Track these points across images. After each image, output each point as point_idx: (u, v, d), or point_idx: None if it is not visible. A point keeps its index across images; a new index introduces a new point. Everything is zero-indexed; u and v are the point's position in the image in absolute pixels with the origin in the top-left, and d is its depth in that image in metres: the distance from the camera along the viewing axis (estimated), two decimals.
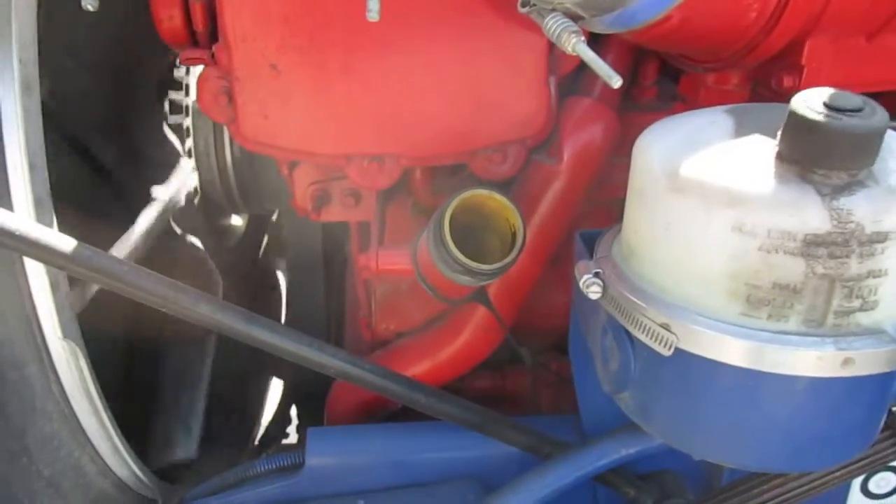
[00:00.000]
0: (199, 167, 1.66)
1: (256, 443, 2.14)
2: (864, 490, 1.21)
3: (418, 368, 1.26)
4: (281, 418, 2.14)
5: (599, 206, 1.26)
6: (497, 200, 0.93)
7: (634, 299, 0.75)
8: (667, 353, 0.73)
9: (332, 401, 1.39)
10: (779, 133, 0.67)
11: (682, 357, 0.72)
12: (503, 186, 1.10)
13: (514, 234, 0.94)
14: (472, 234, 0.98)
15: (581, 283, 0.80)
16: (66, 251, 0.77)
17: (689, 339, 0.71)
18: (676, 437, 0.79)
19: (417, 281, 1.05)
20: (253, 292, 2.12)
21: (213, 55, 1.01)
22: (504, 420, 1.07)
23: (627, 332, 0.79)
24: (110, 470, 1.20)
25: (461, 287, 1.02)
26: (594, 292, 0.80)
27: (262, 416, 2.18)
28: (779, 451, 0.75)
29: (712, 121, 0.76)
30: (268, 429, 2.17)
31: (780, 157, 0.67)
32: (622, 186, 1.25)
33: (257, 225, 2.15)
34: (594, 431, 1.15)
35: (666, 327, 0.72)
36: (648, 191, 0.74)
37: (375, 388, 0.97)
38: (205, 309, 0.86)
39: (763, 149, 0.69)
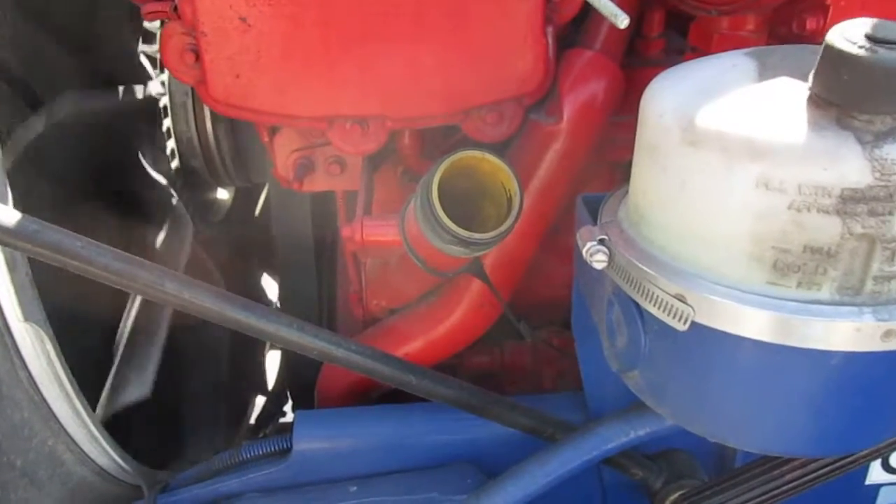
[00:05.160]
0: (177, 136, 1.57)
1: (252, 422, 2.09)
2: (885, 465, 1.14)
3: (412, 346, 1.19)
4: (278, 396, 2.08)
5: (602, 168, 1.18)
6: (491, 162, 0.85)
7: (644, 268, 0.67)
8: (682, 327, 0.65)
9: (323, 382, 1.32)
10: (811, 74, 0.58)
11: (699, 332, 0.64)
12: (499, 149, 1.01)
13: (509, 200, 0.86)
14: (464, 200, 0.90)
15: (584, 252, 0.72)
16: (8, 225, 0.69)
17: (707, 312, 0.63)
18: (693, 420, 0.71)
19: (407, 253, 0.97)
20: (244, 269, 2.05)
21: (175, 8, 0.92)
22: (502, 401, 0.99)
23: (637, 305, 0.71)
24: (89, 458, 1.13)
25: (454, 259, 0.94)
26: (599, 261, 0.71)
27: (257, 394, 2.13)
28: (808, 435, 0.67)
29: (732, 65, 0.67)
30: (265, 406, 2.11)
31: (814, 100, 0.58)
32: (627, 146, 1.17)
33: (248, 198, 2.07)
34: (600, 410, 1.08)
35: (681, 299, 0.64)
36: (660, 146, 0.66)
37: (362, 370, 0.89)
38: (171, 287, 0.78)
39: (792, 93, 0.60)
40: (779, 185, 0.57)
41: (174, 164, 1.53)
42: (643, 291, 0.68)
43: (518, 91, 1.00)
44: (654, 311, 0.67)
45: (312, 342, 0.85)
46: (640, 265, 0.68)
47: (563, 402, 1.14)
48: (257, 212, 2.13)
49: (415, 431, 1.13)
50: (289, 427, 1.15)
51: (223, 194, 1.97)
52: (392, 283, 1.18)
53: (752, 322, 0.62)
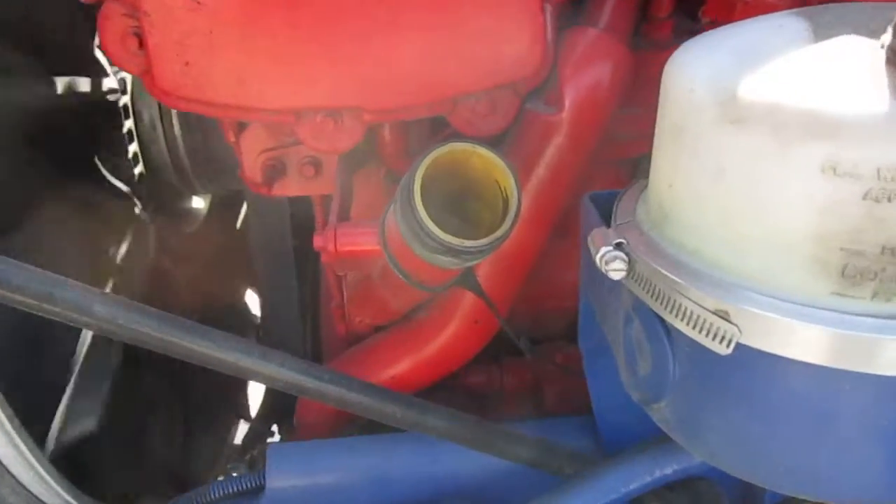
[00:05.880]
0: (143, 141, 1.44)
1: (239, 442, 1.97)
2: None
3: (399, 368, 1.06)
4: (266, 414, 1.95)
5: (605, 168, 1.06)
6: (483, 157, 0.72)
7: (674, 278, 0.55)
8: (724, 350, 0.52)
9: (302, 408, 1.19)
10: (889, 27, 0.46)
11: (745, 356, 0.52)
12: (493, 144, 0.89)
13: (506, 200, 0.73)
14: (452, 202, 0.77)
15: (598, 259, 0.59)
16: None
17: (756, 331, 0.51)
18: (735, 463, 0.59)
19: (388, 265, 0.84)
20: (221, 285, 1.92)
21: None
22: (501, 432, 0.86)
23: (663, 323, 0.58)
24: (38, 500, 1.01)
25: (442, 271, 0.81)
26: (616, 270, 0.59)
27: (244, 413, 2.00)
28: (881, 480, 0.54)
29: (778, 26, 0.54)
30: (252, 426, 1.98)
31: (892, 60, 0.46)
32: (635, 142, 1.06)
33: (226, 206, 1.93)
34: (613, 435, 0.96)
35: (722, 315, 0.52)
36: (690, 126, 0.53)
37: (337, 403, 0.76)
38: (101, 311, 0.65)
39: (862, 53, 0.48)
40: (851, 168, 0.45)
41: (137, 169, 1.40)
42: (673, 307, 0.55)
43: (512, 77, 0.87)
44: (687, 330, 0.54)
45: (277, 372, 0.72)
46: (668, 274, 0.55)
47: (571, 428, 1.02)
48: (238, 221, 2.00)
49: (403, 464, 1.01)
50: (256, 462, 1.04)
51: (198, 202, 1.84)
52: (375, 297, 1.05)
53: (815, 343, 0.49)
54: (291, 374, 0.73)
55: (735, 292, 0.51)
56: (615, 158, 1.06)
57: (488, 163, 0.72)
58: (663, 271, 0.56)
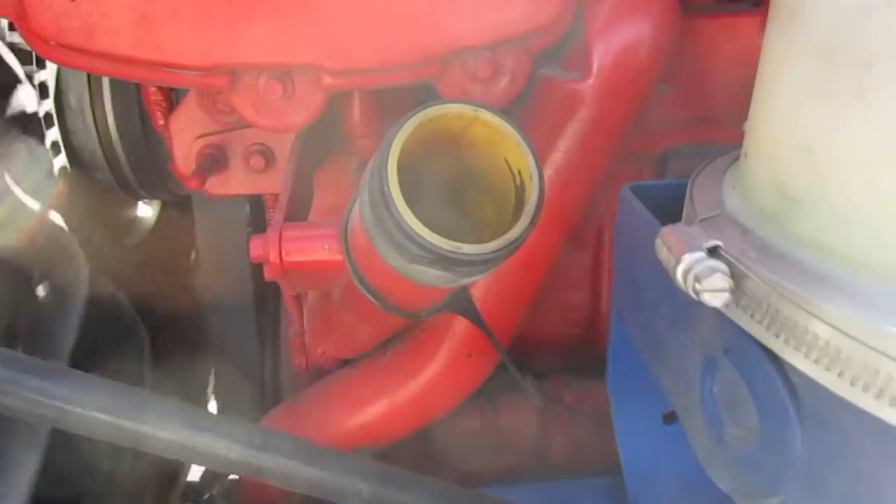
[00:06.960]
0: (68, 137, 1.21)
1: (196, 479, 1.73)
2: None
3: (370, 413, 0.86)
4: None
5: (625, 163, 0.84)
6: (488, 125, 0.50)
7: (824, 303, 0.32)
8: None
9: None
10: None
11: None
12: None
13: (520, 188, 0.50)
14: (445, 192, 0.55)
15: (681, 275, 0.37)
16: None
17: None
18: None
19: (353, 282, 0.61)
20: (169, 304, 1.68)
21: None
22: None
23: (782, 372, 0.36)
24: None
25: (427, 290, 0.58)
26: (716, 291, 0.36)
27: None
28: None
29: None
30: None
31: None
32: (667, 131, 0.86)
33: (182, 214, 1.69)
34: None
35: None
36: (863, 41, 0.31)
37: (277, 480, 0.52)
38: None
39: None
40: None
41: (58, 160, 1.16)
42: (817, 350, 0.33)
43: (522, 28, 0.66)
44: (841, 388, 0.32)
45: (184, 438, 0.48)
46: (812, 297, 0.33)
47: (592, 493, 0.80)
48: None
49: None
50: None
51: (144, 209, 1.60)
52: (339, 324, 0.81)
53: None
54: (201, 439, 0.50)
55: None
56: (639, 152, 0.85)
57: (496, 134, 0.50)
58: (801, 291, 0.33)
